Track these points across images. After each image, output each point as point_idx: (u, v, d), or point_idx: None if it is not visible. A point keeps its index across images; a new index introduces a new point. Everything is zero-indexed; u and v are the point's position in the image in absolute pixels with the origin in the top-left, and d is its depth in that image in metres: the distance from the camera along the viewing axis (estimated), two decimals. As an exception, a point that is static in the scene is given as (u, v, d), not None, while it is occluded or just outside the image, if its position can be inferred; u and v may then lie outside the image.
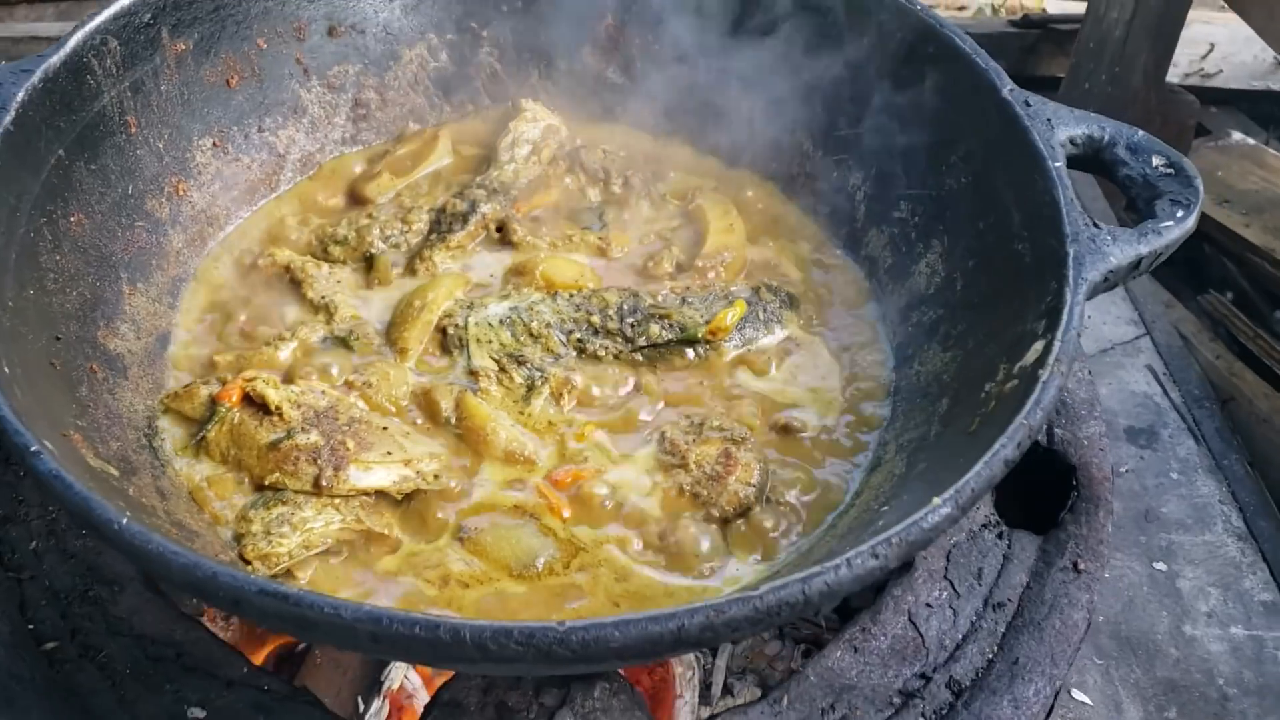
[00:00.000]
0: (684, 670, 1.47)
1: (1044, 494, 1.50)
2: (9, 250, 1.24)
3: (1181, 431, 2.24)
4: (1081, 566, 1.38)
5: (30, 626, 1.26)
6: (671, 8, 1.71)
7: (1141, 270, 1.29)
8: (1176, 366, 2.34)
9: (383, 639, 0.91)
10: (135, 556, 0.96)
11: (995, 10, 4.08)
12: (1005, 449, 1.07)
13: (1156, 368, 2.35)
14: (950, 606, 1.35)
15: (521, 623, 0.92)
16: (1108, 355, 2.39)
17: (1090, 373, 1.60)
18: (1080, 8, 3.24)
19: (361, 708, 1.48)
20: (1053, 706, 1.36)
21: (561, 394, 1.42)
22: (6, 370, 1.10)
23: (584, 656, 0.92)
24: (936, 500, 1.02)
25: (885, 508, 1.25)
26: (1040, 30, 3.53)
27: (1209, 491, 2.15)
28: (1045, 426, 1.54)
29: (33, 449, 1.01)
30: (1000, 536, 1.42)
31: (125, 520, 0.97)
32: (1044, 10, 3.84)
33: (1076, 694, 1.85)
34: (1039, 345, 1.19)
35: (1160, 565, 2.04)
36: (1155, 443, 2.22)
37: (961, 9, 4.16)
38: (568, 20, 1.75)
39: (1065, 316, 1.17)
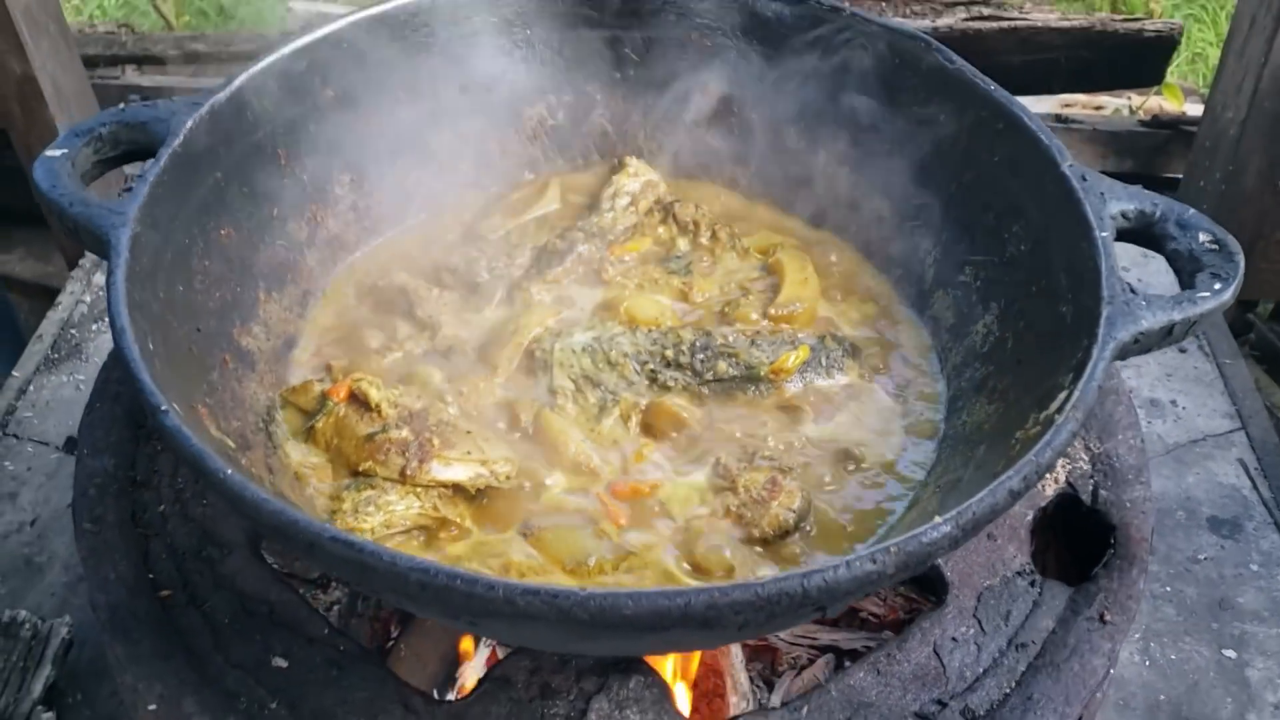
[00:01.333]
0: (734, 681, 1.58)
1: (1088, 554, 1.56)
2: (166, 252, 1.45)
3: (1267, 525, 2.23)
4: (1108, 618, 1.43)
5: (150, 575, 1.45)
6: (768, 88, 1.86)
7: (1175, 337, 1.35)
8: (1270, 462, 2.33)
9: (429, 587, 1.05)
10: (233, 501, 1.13)
11: (1133, 111, 4.11)
12: (1011, 480, 1.16)
13: (1249, 462, 2.35)
14: (975, 642, 1.42)
15: (548, 584, 1.05)
16: (1199, 446, 2.39)
17: (1143, 441, 1.65)
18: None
19: (436, 695, 1.62)
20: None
21: (629, 416, 1.56)
22: (151, 347, 1.29)
23: (599, 621, 1.04)
24: (938, 519, 1.11)
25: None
26: (1170, 131, 3.56)
27: (1289, 585, 2.13)
28: (1092, 489, 1.60)
29: (162, 408, 1.19)
30: (1033, 584, 1.48)
31: (230, 471, 1.14)
32: (1183, 112, 3.86)
33: (1128, 768, 1.86)
34: (1062, 395, 1.27)
35: (1230, 653, 2.03)
36: (1238, 534, 2.21)
37: (1099, 108, 4.20)
38: (675, 90, 1.91)
39: (1089, 369, 1.26)
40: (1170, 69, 3.86)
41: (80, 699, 1.92)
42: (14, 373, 2.47)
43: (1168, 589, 2.13)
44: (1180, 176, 3.42)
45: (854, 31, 1.77)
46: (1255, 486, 2.29)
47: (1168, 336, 1.35)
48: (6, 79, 2.55)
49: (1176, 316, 1.33)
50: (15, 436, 2.35)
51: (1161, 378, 2.54)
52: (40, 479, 2.27)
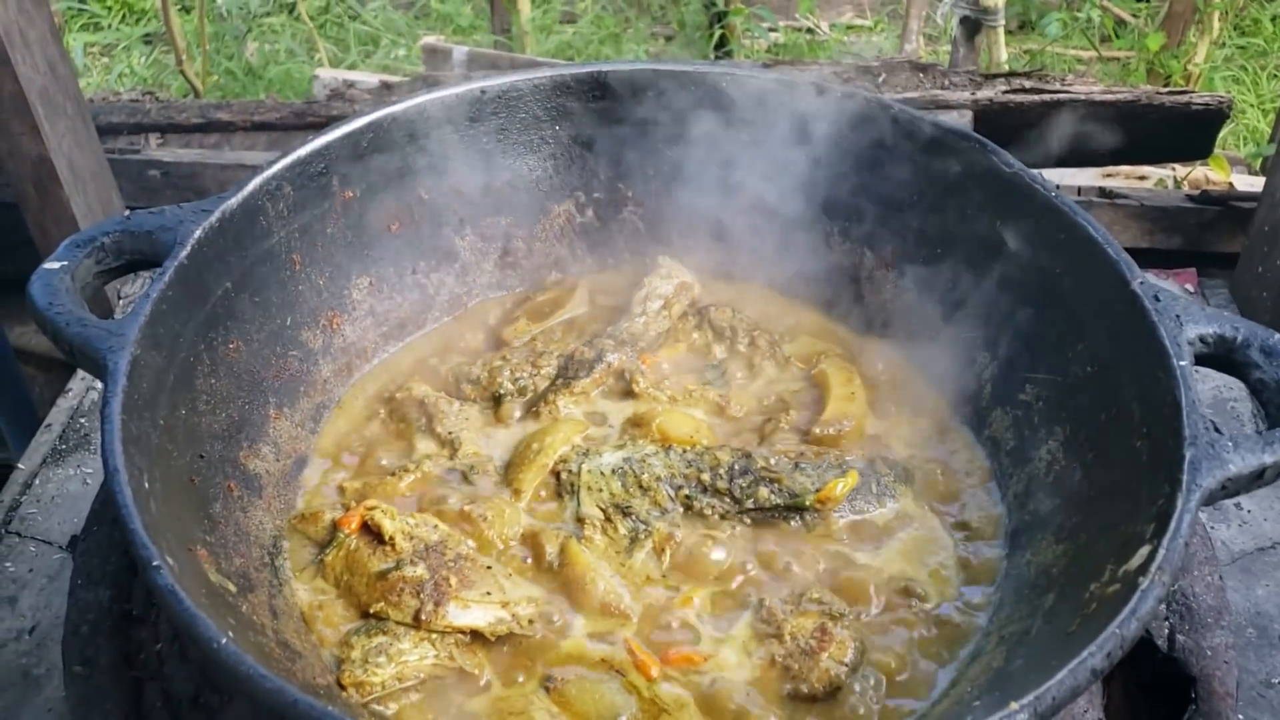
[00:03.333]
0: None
1: (1162, 701, 1.43)
2: (168, 373, 1.36)
3: (1345, 644, 2.08)
4: (1193, 789, 1.29)
5: (143, 726, 1.34)
6: (810, 185, 1.76)
7: (1266, 481, 1.23)
8: (1344, 572, 2.19)
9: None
10: (228, 677, 1.03)
11: (1178, 183, 3.99)
12: (1094, 658, 1.04)
13: (1321, 571, 2.20)
14: (1044, 817, 1.28)
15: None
16: (1268, 555, 2.25)
17: (1222, 578, 1.52)
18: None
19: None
20: None
21: (664, 549, 1.44)
22: (146, 485, 1.20)
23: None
24: (1014, 705, 0.99)
25: (977, 703, 1.21)
26: (1220, 207, 3.44)
27: (1372, 714, 1.97)
28: (1169, 633, 1.47)
29: (154, 564, 1.09)
30: (1107, 745, 1.35)
31: (224, 640, 1.03)
32: (1230, 186, 3.74)
33: None
34: (1145, 550, 1.15)
35: (1310, 792, 1.87)
36: (1313, 653, 2.06)
37: (1142, 179, 4.09)
38: (710, 187, 1.82)
39: (1174, 523, 1.14)
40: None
41: (74, 833, 1.80)
42: (19, 465, 2.38)
43: (1240, 718, 1.98)
44: (1230, 253, 3.30)
45: (901, 127, 1.67)
46: (1330, 601, 2.14)
47: (1258, 480, 1.23)
48: (21, 161, 2.49)
49: (1268, 460, 1.21)
50: (18, 535, 2.25)
51: (1223, 478, 2.40)
52: (42, 581, 2.17)
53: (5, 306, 3.27)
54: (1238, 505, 2.34)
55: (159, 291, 1.36)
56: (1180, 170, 3.99)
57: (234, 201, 1.50)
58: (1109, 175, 3.97)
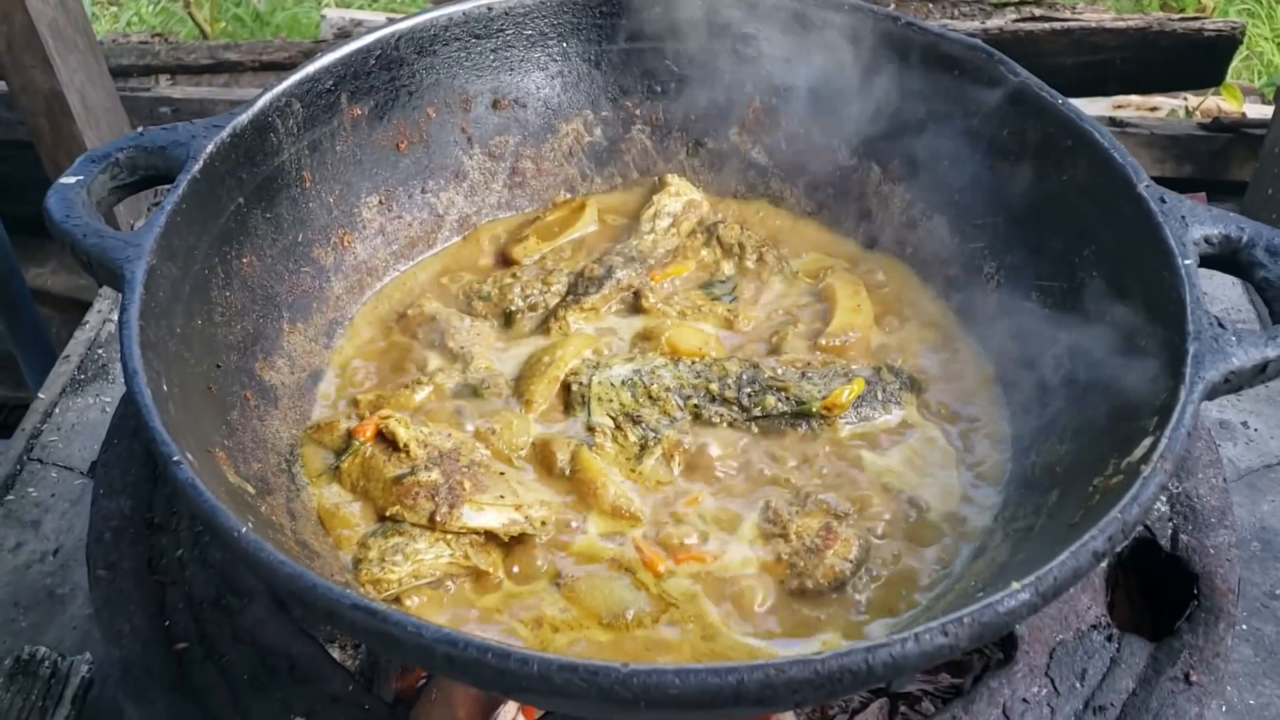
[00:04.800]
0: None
1: (1164, 601, 1.45)
2: (184, 284, 1.38)
3: (1350, 557, 2.10)
4: (1194, 679, 1.32)
5: (166, 626, 1.38)
6: (816, 100, 1.76)
7: (1269, 375, 1.24)
8: (1350, 488, 2.20)
9: (457, 662, 0.97)
10: (248, 563, 1.05)
11: (1189, 113, 3.96)
12: (1095, 541, 1.05)
13: (1327, 488, 2.21)
14: (1048, 704, 1.31)
15: (587, 660, 0.96)
16: (1274, 471, 2.26)
17: (1225, 480, 1.54)
18: (1273, 112, 3.12)
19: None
20: (1155, 824, 1.31)
21: (673, 455, 1.47)
22: (166, 388, 1.22)
23: (643, 700, 0.95)
24: (1015, 585, 1.01)
25: (980, 594, 1.23)
26: (1232, 134, 3.42)
27: (1376, 624, 2.00)
28: (1171, 533, 1.49)
29: (174, 459, 1.12)
30: (1110, 639, 1.37)
31: (245, 530, 1.06)
32: (1242, 114, 3.71)
33: (1204, 823, 1.74)
34: (1147, 441, 1.16)
35: (1313, 697, 1.90)
36: (1318, 566, 2.08)
37: (1154, 109, 4.06)
38: (716, 103, 1.82)
39: (1176, 414, 1.15)
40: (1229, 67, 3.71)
41: (101, 740, 1.85)
42: (40, 394, 2.41)
43: (1244, 627, 2.00)
44: (1244, 181, 3.28)
45: (908, 40, 1.67)
46: (1336, 516, 2.16)
47: (1260, 375, 1.24)
48: (34, 95, 2.50)
49: (1271, 354, 1.22)
50: (40, 461, 2.29)
51: (1230, 398, 2.41)
52: (64, 505, 2.21)
53: (21, 247, 3.30)
54: (1245, 424, 2.36)
55: (173, 204, 1.38)
56: (1192, 100, 3.96)
57: (245, 118, 1.51)
58: (1120, 106, 3.94)
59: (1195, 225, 1.35)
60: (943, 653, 0.99)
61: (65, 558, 2.12)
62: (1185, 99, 3.99)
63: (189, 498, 1.10)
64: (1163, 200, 1.37)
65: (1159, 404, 1.20)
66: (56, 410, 2.40)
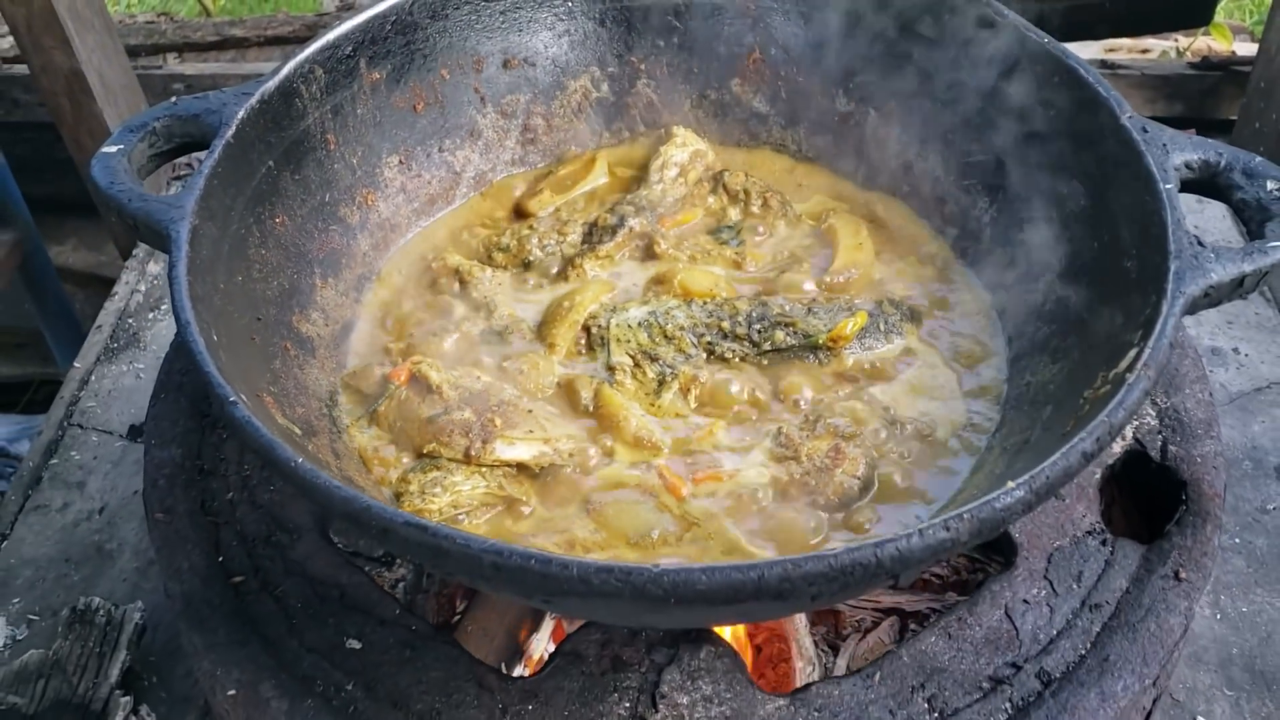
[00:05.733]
0: (799, 646, 1.59)
1: (1156, 510, 1.54)
2: (223, 243, 1.47)
3: (1338, 473, 2.19)
4: (1183, 575, 1.41)
5: (222, 562, 1.48)
6: (813, 49, 1.84)
7: (1246, 289, 1.33)
8: (1338, 408, 2.29)
9: (503, 569, 1.06)
10: (305, 489, 1.14)
11: (1180, 54, 4.02)
12: (1084, 443, 1.14)
13: (1316, 408, 2.30)
14: (1048, 604, 1.41)
15: (622, 562, 1.05)
16: (1264, 394, 2.35)
17: (1212, 395, 1.63)
18: (1262, 49, 3.18)
19: (505, 669, 1.64)
20: (1150, 713, 1.41)
21: (689, 389, 1.56)
22: (215, 338, 1.31)
23: (673, 596, 1.04)
24: (1010, 484, 1.10)
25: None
26: (1221, 72, 3.48)
27: (1363, 534, 2.09)
28: (1161, 445, 1.58)
29: (231, 399, 1.21)
30: (1104, 543, 1.47)
31: (300, 459, 1.15)
32: (1232, 53, 3.77)
33: (1201, 722, 1.85)
34: (1132, 353, 1.25)
35: (1303, 604, 2.00)
36: (1308, 483, 2.18)
37: (1145, 51, 4.11)
38: (718, 56, 1.90)
39: (1159, 326, 1.23)
40: (1218, 7, 3.76)
41: (156, 682, 1.96)
42: (75, 364, 2.51)
43: (1236, 540, 2.10)
44: (1234, 119, 3.35)
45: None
46: (1324, 434, 2.25)
47: (1238, 289, 1.32)
48: (55, 75, 2.58)
49: (1247, 268, 1.30)
50: (80, 426, 2.38)
51: (1222, 325, 2.49)
52: (106, 467, 2.31)
53: (40, 226, 3.38)
54: (1236, 350, 2.44)
55: (210, 167, 1.46)
56: (1183, 41, 4.01)
57: (272, 84, 1.59)
58: (1111, 50, 4.00)
59: (1176, 152, 1.43)
60: (945, 546, 1.08)
61: (111, 515, 2.22)
62: (1176, 40, 4.05)
63: (247, 434, 1.19)
64: (1145, 130, 1.45)
65: (1143, 319, 1.29)
66: (93, 378, 2.49)
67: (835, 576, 1.05)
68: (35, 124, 3.35)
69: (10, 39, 3.59)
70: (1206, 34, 3.96)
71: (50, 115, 2.73)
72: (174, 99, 1.58)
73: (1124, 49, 4.06)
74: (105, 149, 1.51)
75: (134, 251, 2.80)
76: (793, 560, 1.04)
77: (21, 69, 3.29)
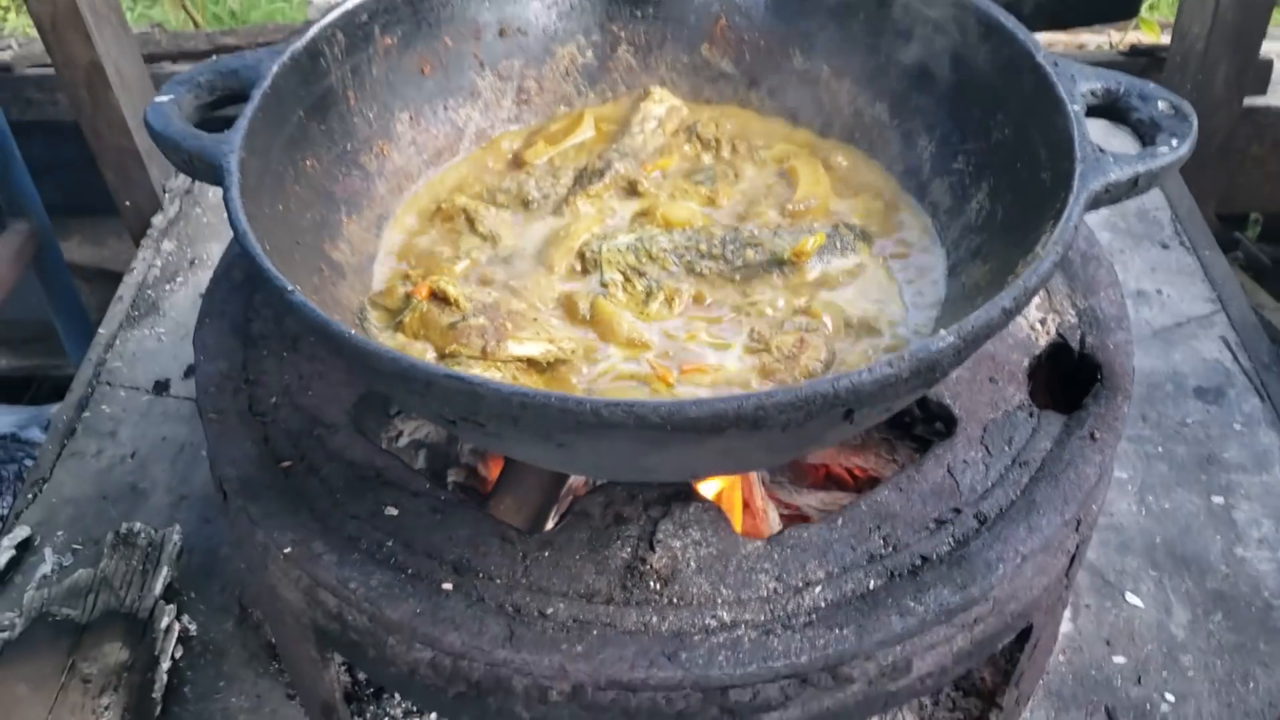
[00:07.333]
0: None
1: (1076, 396, 1.79)
2: (265, 177, 1.68)
3: (1248, 391, 2.45)
4: (1097, 436, 1.66)
5: (270, 449, 1.69)
6: (771, 16, 2.10)
7: (1140, 188, 1.57)
8: (1248, 337, 2.56)
9: (529, 407, 1.28)
10: (360, 356, 1.36)
11: (1113, 46, 4.33)
12: (1004, 300, 1.38)
13: (1229, 338, 2.57)
14: (983, 463, 1.65)
15: (626, 398, 1.28)
16: (1183, 327, 2.62)
17: (1124, 297, 1.88)
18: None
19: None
20: (1075, 555, 1.64)
21: (673, 299, 1.79)
22: (267, 247, 1.53)
23: (669, 423, 1.26)
24: (943, 331, 1.34)
25: (924, 373, 1.56)
26: (1148, 58, 3.78)
27: (1270, 441, 2.35)
28: (1080, 337, 1.83)
29: (289, 289, 1.43)
30: (1031, 415, 1.71)
31: (352, 332, 1.38)
32: (1160, 42, 4.08)
33: (1130, 598, 2.09)
34: (1044, 239, 1.50)
35: (1218, 499, 2.25)
36: (1222, 400, 2.44)
37: (1081, 47, 4.42)
38: (688, 24, 2.15)
39: (1066, 212, 1.48)
40: (1146, 2, 4.08)
41: (194, 596, 2.16)
42: (100, 330, 2.71)
43: (1160, 449, 2.36)
44: (1160, 100, 3.63)
45: (846, -40, 2.01)
46: (1236, 359, 2.52)
47: (1134, 187, 1.57)
48: (75, 68, 2.79)
49: (1140, 169, 1.55)
50: (108, 384, 2.59)
51: (1147, 271, 2.77)
52: (135, 418, 2.51)
53: (55, 223, 3.57)
54: (1159, 291, 2.71)
55: (251, 112, 1.68)
56: (1114, 36, 4.32)
57: (300, 45, 1.82)
58: (1049, 46, 4.31)
59: (1082, 81, 1.69)
60: (890, 381, 1.30)
61: (142, 459, 2.43)
62: (1108, 35, 4.36)
63: (304, 316, 1.40)
64: (1055, 64, 1.71)
65: (1054, 213, 1.53)
66: (117, 341, 2.69)
67: (800, 405, 1.28)
68: (45, 124, 3.55)
69: (13, 48, 3.81)
70: (1137, 29, 4.27)
71: (70, 107, 2.93)
72: (214, 58, 1.80)
73: (1061, 45, 4.37)
74: (158, 99, 1.73)
75: (148, 232, 3.01)
76: (765, 393, 1.27)
77: (33, 71, 3.50)
